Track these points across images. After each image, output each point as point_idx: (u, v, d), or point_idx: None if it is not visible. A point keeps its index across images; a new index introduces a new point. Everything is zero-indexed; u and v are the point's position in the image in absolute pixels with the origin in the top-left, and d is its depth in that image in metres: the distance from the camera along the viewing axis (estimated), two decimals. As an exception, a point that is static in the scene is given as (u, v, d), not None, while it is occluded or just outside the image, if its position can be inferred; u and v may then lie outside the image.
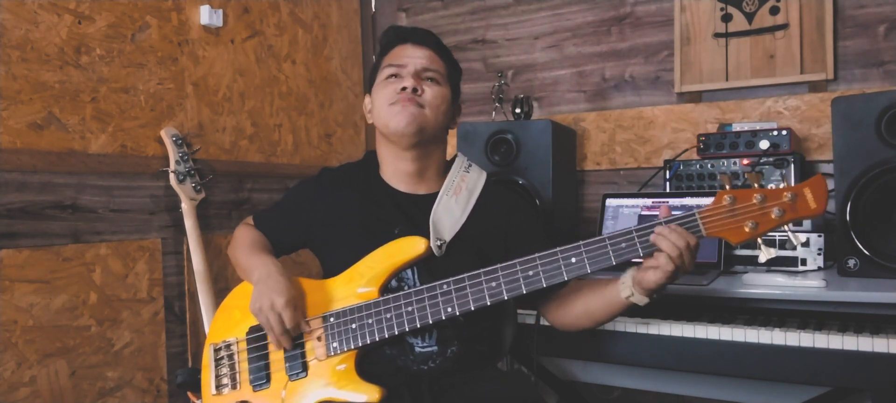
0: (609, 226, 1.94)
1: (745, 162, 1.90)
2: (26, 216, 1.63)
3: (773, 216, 1.14)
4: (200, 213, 1.94)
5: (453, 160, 1.49)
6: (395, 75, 1.39)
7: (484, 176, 1.48)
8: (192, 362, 1.97)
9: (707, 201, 1.25)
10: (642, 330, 1.55)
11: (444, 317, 1.24)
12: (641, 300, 1.25)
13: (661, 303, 1.64)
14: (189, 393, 1.53)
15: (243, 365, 1.35)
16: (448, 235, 1.35)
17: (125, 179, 1.84)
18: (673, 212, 1.21)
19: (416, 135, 1.36)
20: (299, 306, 1.30)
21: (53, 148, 1.68)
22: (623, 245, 1.19)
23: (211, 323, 1.52)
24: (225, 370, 1.37)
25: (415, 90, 1.35)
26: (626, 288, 1.26)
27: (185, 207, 1.90)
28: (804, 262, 1.69)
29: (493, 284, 1.22)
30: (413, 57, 1.39)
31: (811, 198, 1.14)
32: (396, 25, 1.53)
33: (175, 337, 1.95)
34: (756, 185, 1.16)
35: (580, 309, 1.37)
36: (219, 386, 1.37)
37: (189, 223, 1.89)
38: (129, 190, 1.85)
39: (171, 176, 1.89)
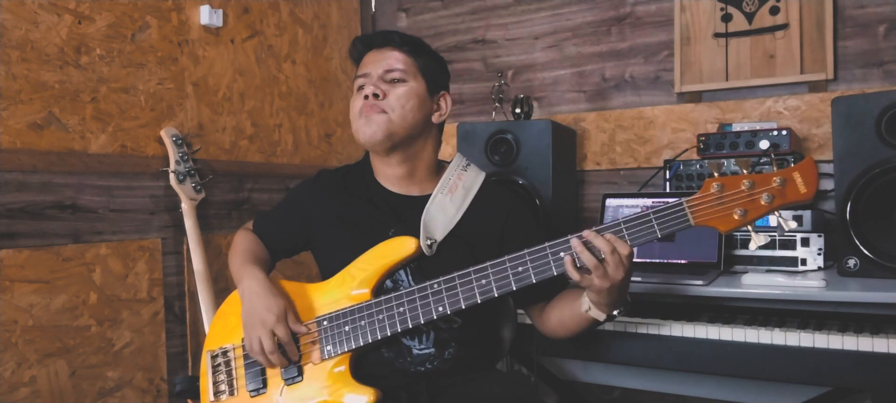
0: (609, 226, 1.93)
1: (746, 161, 1.90)
2: (26, 216, 1.63)
3: (762, 202, 1.12)
4: (200, 213, 1.94)
5: (451, 160, 1.49)
6: (361, 86, 1.38)
7: (482, 176, 1.47)
8: (192, 362, 1.97)
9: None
10: (642, 330, 1.55)
11: (435, 316, 1.24)
12: (599, 315, 1.25)
13: (661, 303, 1.65)
14: (189, 400, 1.53)
15: (240, 372, 1.35)
16: (440, 234, 1.35)
17: (125, 179, 1.84)
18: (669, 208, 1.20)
19: (386, 140, 1.35)
20: (291, 313, 1.30)
21: (53, 148, 1.68)
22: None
23: (208, 330, 1.52)
24: (222, 376, 1.37)
25: (376, 96, 1.34)
26: (585, 302, 1.26)
27: (185, 207, 1.90)
28: (804, 262, 1.69)
29: (484, 282, 1.22)
30: (375, 62, 1.38)
31: (801, 182, 1.12)
32: (361, 35, 1.53)
33: (175, 337, 1.95)
34: (745, 171, 1.15)
35: (555, 319, 1.37)
36: (216, 393, 1.36)
37: (189, 223, 1.89)
38: (129, 190, 1.85)
39: (171, 176, 1.89)
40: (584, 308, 1.26)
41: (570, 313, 1.31)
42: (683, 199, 1.16)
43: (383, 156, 1.40)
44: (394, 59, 1.38)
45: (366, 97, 1.35)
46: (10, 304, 1.58)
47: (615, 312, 1.25)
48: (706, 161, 1.96)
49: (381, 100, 1.35)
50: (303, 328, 1.31)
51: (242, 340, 1.36)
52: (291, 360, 1.30)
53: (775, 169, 1.14)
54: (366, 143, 1.37)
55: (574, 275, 1.18)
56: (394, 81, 1.37)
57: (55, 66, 1.68)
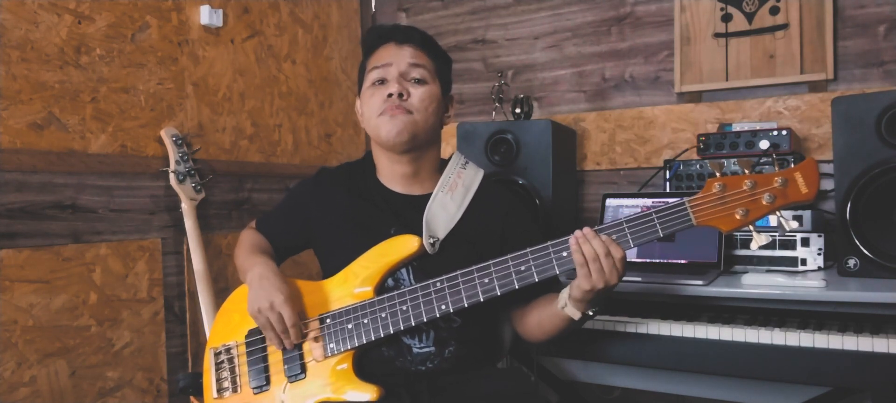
0: (609, 226, 1.93)
1: (745, 162, 1.90)
2: (26, 216, 1.63)
3: (764, 202, 1.12)
4: (200, 213, 1.94)
5: (450, 158, 1.48)
6: (380, 80, 1.37)
7: (480, 173, 1.47)
8: (192, 362, 1.97)
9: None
10: (642, 330, 1.55)
11: (438, 315, 1.24)
12: (574, 313, 1.24)
13: (661, 303, 1.65)
14: (191, 398, 1.53)
15: (243, 369, 1.35)
16: (442, 232, 1.35)
17: (125, 179, 1.84)
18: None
19: (408, 142, 1.35)
20: (296, 304, 1.30)
21: (53, 148, 1.68)
22: (614, 238, 1.19)
23: (211, 327, 1.52)
24: (225, 373, 1.37)
25: (401, 96, 1.33)
26: (561, 300, 1.25)
27: (185, 207, 1.90)
28: (804, 262, 1.69)
29: (486, 280, 1.22)
30: (397, 57, 1.37)
31: (802, 182, 1.12)
32: (379, 25, 1.51)
33: (175, 337, 1.95)
34: (747, 171, 1.15)
35: (534, 321, 1.37)
36: (220, 390, 1.37)
37: (189, 223, 1.89)
38: (129, 190, 1.85)
39: (171, 176, 1.89)
40: (560, 305, 1.25)
41: (548, 314, 1.31)
42: (685, 199, 1.16)
43: (396, 156, 1.40)
44: (417, 58, 1.37)
45: (389, 95, 1.34)
46: (10, 304, 1.58)
47: (591, 311, 1.24)
48: (706, 161, 1.96)
49: (405, 101, 1.34)
50: (303, 326, 1.31)
51: (246, 337, 1.36)
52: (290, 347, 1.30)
53: (776, 169, 1.14)
54: (386, 142, 1.36)
55: (580, 263, 1.17)
56: (416, 81, 1.36)
57: (55, 66, 1.68)
